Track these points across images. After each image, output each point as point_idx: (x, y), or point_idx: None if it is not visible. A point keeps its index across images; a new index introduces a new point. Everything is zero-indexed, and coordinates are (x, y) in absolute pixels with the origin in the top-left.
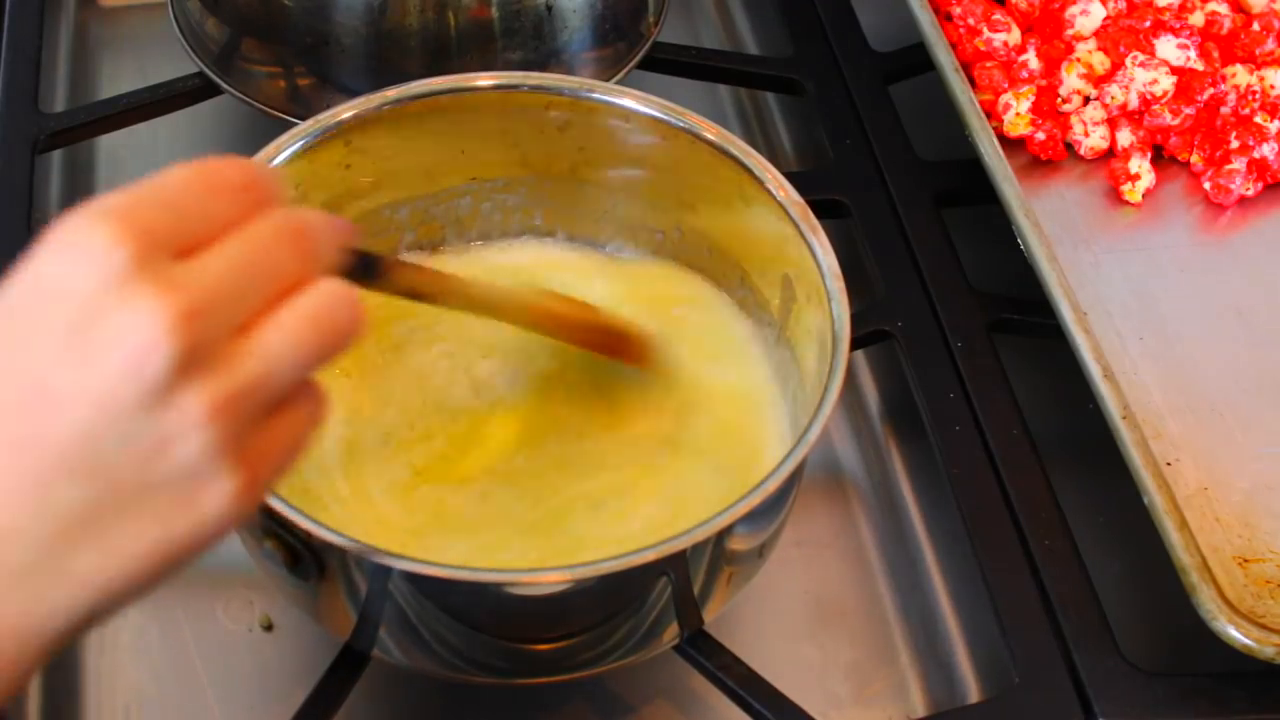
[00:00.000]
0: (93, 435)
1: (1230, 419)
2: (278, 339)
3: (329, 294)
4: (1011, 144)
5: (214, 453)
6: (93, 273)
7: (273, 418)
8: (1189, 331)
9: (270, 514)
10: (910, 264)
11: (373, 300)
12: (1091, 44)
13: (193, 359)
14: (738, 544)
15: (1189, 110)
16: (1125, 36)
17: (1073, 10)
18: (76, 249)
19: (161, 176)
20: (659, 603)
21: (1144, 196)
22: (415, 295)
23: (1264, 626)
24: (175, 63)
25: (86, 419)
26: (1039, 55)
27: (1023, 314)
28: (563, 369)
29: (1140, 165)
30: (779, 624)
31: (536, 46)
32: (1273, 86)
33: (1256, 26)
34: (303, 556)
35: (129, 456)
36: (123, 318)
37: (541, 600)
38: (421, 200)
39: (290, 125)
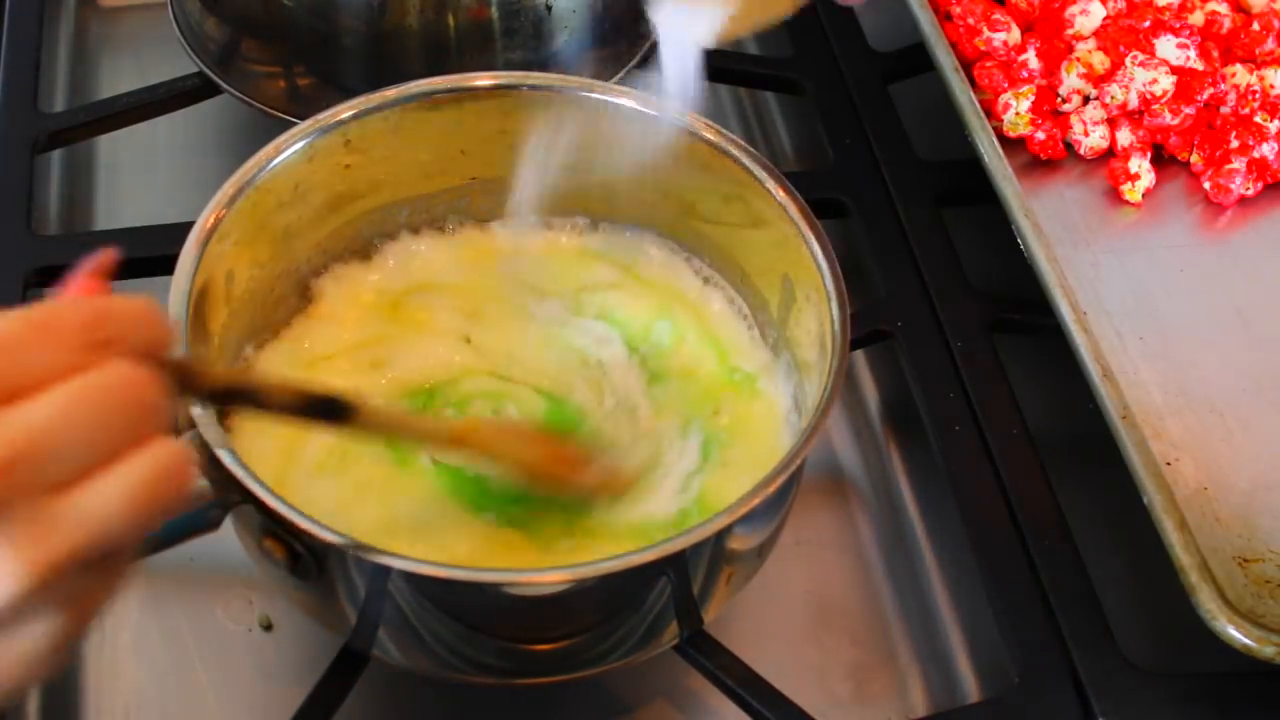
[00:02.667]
0: None
1: (1230, 419)
2: (97, 504)
3: (162, 458)
4: (1011, 144)
5: (37, 602)
6: None
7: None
8: (1189, 331)
9: (270, 514)
10: (910, 264)
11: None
12: (1091, 44)
13: (5, 512)
14: (737, 544)
15: (1189, 110)
16: (1125, 36)
17: (1073, 10)
18: None
19: None
20: (659, 603)
21: (1144, 196)
22: (321, 418)
23: (1264, 626)
24: (175, 63)
25: None
26: (1039, 55)
27: (1023, 314)
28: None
29: (1140, 165)
30: (779, 624)
31: (536, 46)
32: (1273, 86)
33: (1256, 26)
34: (303, 556)
35: None
36: None
37: (541, 600)
38: (421, 200)
39: (290, 125)
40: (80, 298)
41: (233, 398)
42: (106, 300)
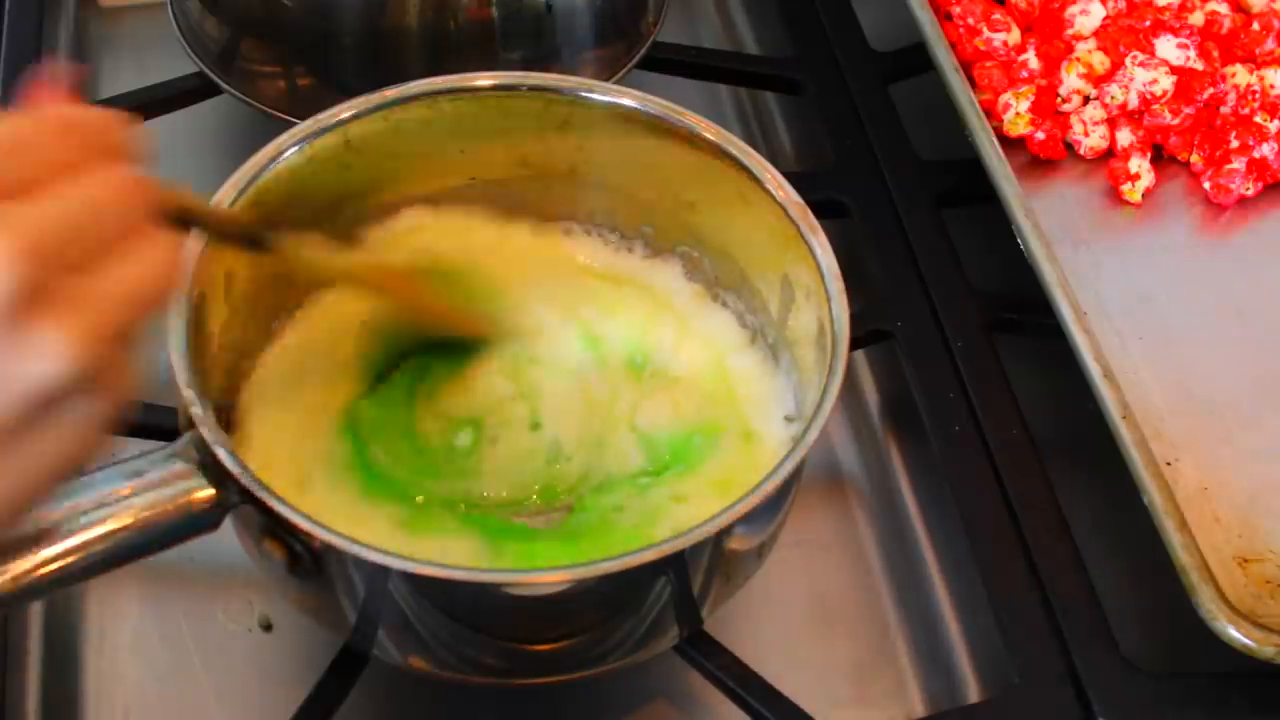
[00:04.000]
0: None
1: (1230, 419)
2: (126, 283)
3: (164, 245)
4: (1011, 144)
5: (77, 386)
6: None
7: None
8: (1189, 331)
9: (270, 514)
10: (910, 264)
11: None
12: (1091, 44)
13: (34, 295)
14: (737, 544)
15: (1189, 110)
16: (1125, 36)
17: (1072, 10)
18: None
19: None
20: (659, 603)
21: (1144, 196)
22: (252, 246)
23: (1264, 626)
24: (175, 63)
25: None
26: (1039, 55)
27: (1023, 314)
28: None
29: (1140, 165)
30: (779, 624)
31: (536, 46)
32: (1273, 86)
33: (1256, 26)
34: (302, 556)
35: None
36: None
37: (541, 600)
38: (421, 200)
39: (290, 125)
40: (65, 105)
41: (185, 217)
42: (85, 109)
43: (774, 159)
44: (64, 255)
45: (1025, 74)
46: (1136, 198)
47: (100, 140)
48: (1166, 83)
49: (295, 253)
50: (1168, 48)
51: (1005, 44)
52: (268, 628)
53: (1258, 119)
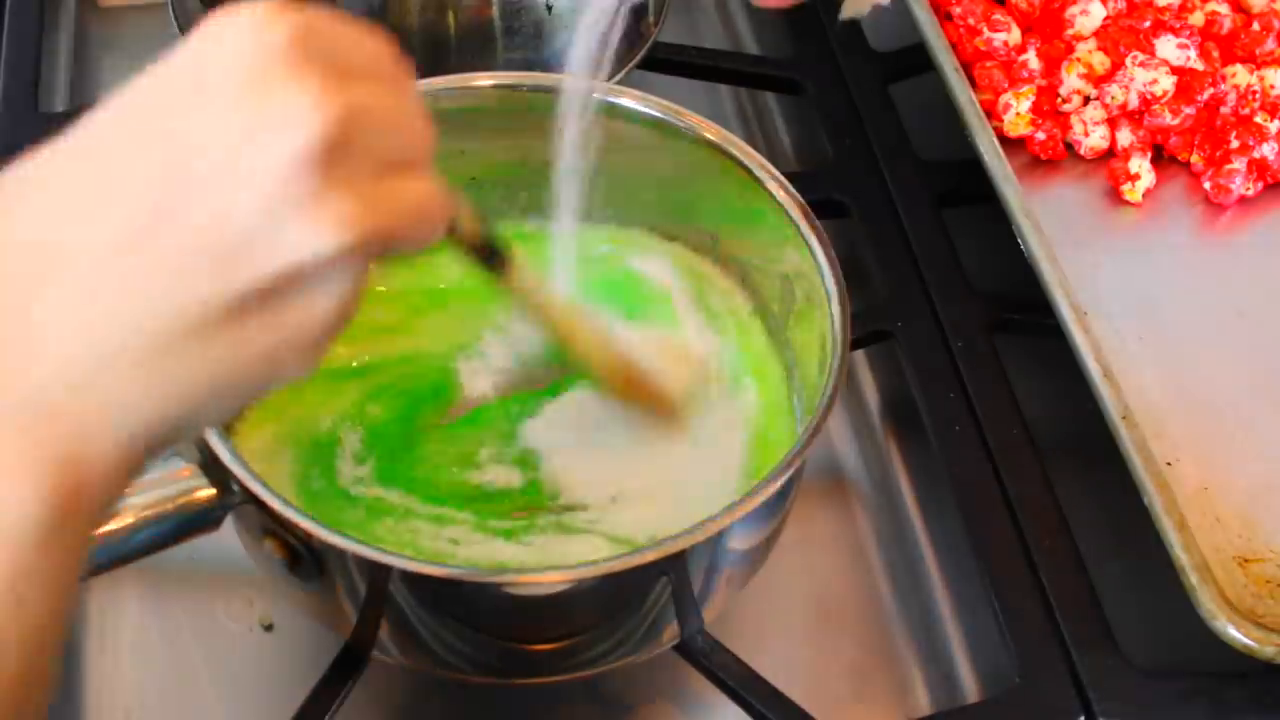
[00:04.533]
0: (235, 220)
1: (1230, 419)
2: (407, 198)
3: (438, 184)
4: (1011, 144)
5: (341, 268)
6: (251, 47)
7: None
8: (1189, 331)
9: (270, 514)
10: (910, 264)
11: None
12: (1091, 44)
13: (331, 157)
14: (738, 544)
15: (1189, 110)
16: (1125, 36)
17: (1073, 10)
18: (234, 24)
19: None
20: (659, 603)
21: (1144, 196)
22: (487, 261)
23: (1264, 626)
24: None
25: (232, 202)
26: (1039, 55)
27: (1023, 314)
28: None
29: (1140, 165)
30: (779, 624)
31: (537, 46)
32: (1273, 86)
33: (1256, 26)
34: (303, 556)
35: (267, 248)
36: (283, 94)
37: (541, 600)
38: None
39: None
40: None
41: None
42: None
43: (774, 159)
44: (365, 142)
45: (1025, 74)
46: (1137, 198)
47: (402, 73)
48: (1167, 83)
49: (520, 279)
50: (1168, 48)
51: (1005, 44)
52: (268, 628)
53: (1258, 119)
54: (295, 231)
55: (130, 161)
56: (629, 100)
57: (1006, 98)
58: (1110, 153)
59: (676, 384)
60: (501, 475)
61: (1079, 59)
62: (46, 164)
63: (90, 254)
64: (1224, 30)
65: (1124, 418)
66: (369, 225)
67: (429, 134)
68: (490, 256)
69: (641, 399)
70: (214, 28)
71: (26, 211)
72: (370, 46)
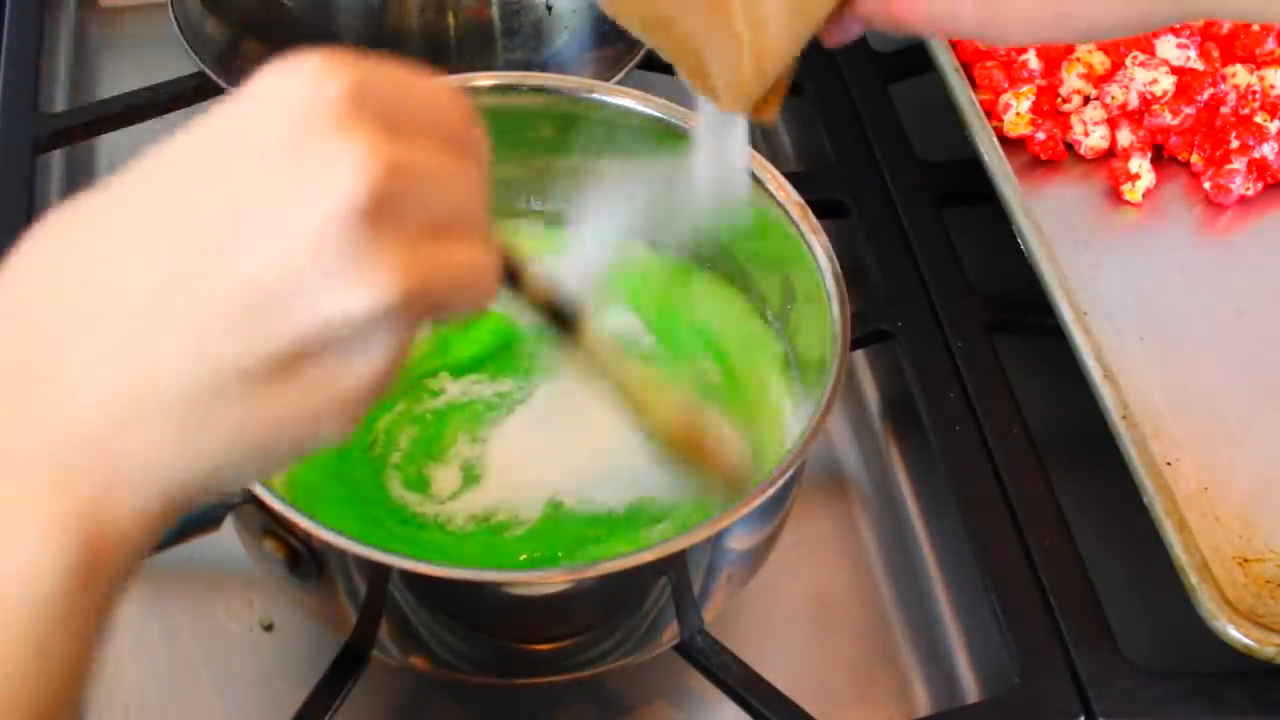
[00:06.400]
0: (275, 275)
1: (1230, 419)
2: (456, 258)
3: (490, 254)
4: (1011, 144)
5: (382, 329)
6: (303, 98)
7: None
8: (1189, 331)
9: (270, 514)
10: (910, 264)
11: None
12: (1091, 44)
13: (390, 216)
14: (738, 544)
15: (1189, 110)
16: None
17: None
18: (288, 75)
19: (384, 62)
20: (659, 603)
21: (1144, 196)
22: (555, 322)
23: (1264, 626)
24: (175, 63)
25: (273, 257)
26: (1039, 55)
27: (1023, 314)
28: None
29: (1140, 165)
30: (779, 624)
31: (537, 46)
32: (1273, 86)
33: (1256, 26)
34: (303, 556)
35: (305, 305)
36: (332, 147)
37: (541, 600)
38: None
39: None
40: (451, 81)
41: (510, 266)
42: (461, 93)
43: (774, 159)
44: (416, 200)
45: (1025, 74)
46: (1136, 198)
47: (467, 130)
48: (1167, 83)
49: (591, 343)
50: (1168, 48)
51: None
52: (268, 628)
53: (1258, 119)
54: (336, 289)
55: (171, 215)
56: (629, 100)
57: (1006, 98)
58: (1110, 153)
59: (741, 455)
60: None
61: (1079, 59)
62: (89, 212)
63: (126, 308)
64: (1224, 30)
65: (1124, 418)
66: (413, 285)
67: (485, 196)
68: (560, 318)
69: (708, 467)
70: (268, 79)
71: (66, 261)
72: (433, 101)
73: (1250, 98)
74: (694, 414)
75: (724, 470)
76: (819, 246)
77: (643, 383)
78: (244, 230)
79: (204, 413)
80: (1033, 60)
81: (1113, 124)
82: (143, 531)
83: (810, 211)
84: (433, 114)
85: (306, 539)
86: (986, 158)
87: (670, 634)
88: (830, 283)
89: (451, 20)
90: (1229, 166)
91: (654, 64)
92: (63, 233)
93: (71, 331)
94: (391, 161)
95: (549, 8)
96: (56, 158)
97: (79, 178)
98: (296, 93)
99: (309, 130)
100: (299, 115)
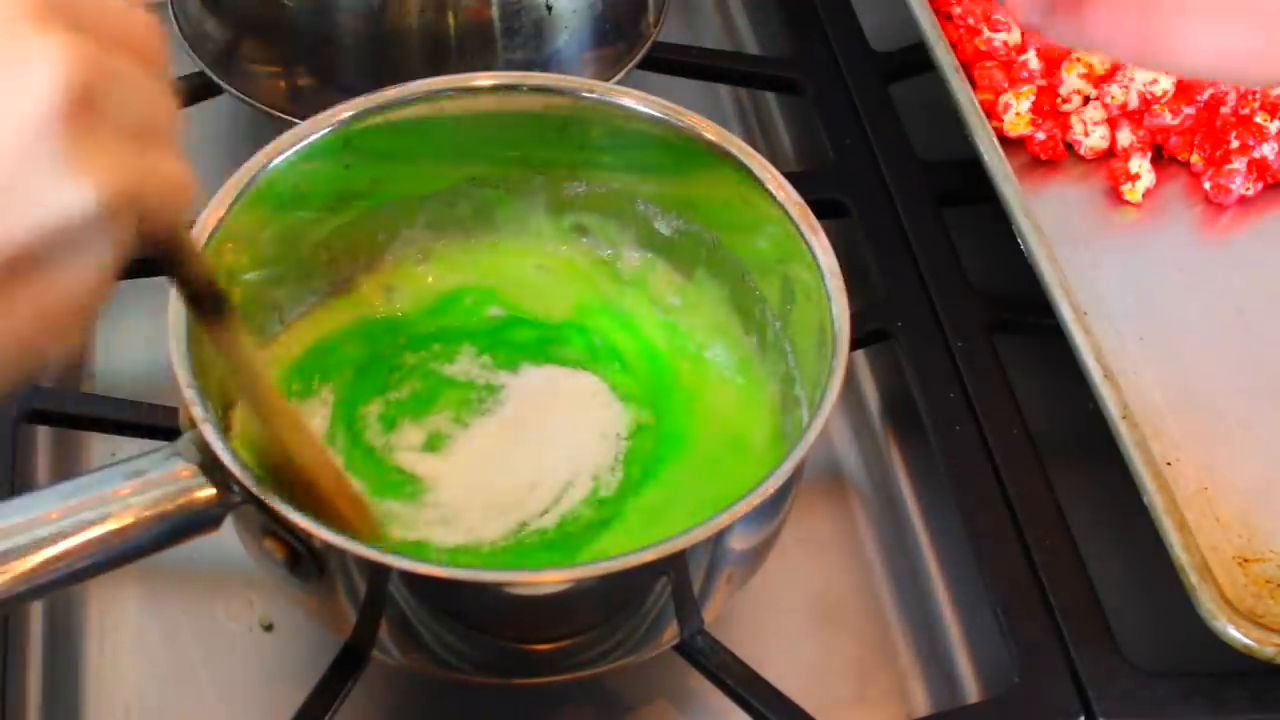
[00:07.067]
0: None
1: (1230, 419)
2: (159, 165)
3: (184, 168)
4: (1011, 144)
5: (97, 232)
6: None
7: None
8: (1189, 331)
9: (270, 514)
10: (910, 264)
11: None
12: None
13: (93, 115)
14: (738, 544)
15: (1189, 110)
16: None
17: None
18: None
19: None
20: (659, 603)
21: (1144, 196)
22: (203, 304)
23: (1264, 626)
24: (175, 63)
25: None
26: (1039, 55)
27: (1023, 314)
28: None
29: (1140, 165)
30: (779, 624)
31: (536, 46)
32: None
33: None
34: (303, 556)
35: (13, 210)
36: (26, 47)
37: (541, 600)
38: (421, 200)
39: (290, 125)
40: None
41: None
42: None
43: (774, 159)
44: (115, 104)
45: (1025, 74)
46: (1136, 198)
47: (157, 44)
48: (1167, 83)
49: (236, 335)
50: None
51: (1005, 44)
52: (268, 628)
53: (1258, 119)
54: (47, 189)
55: None
56: (629, 100)
57: (1006, 98)
58: (1110, 153)
59: (369, 506)
60: None
61: (1079, 59)
62: None
63: None
64: None
65: (1124, 418)
66: (121, 185)
67: (176, 111)
68: (210, 301)
69: (341, 508)
70: None
71: None
72: (125, 16)
73: (1250, 98)
74: (328, 456)
75: (355, 513)
76: (819, 246)
77: (279, 403)
78: None
79: None
80: (1033, 60)
81: (1113, 124)
82: None
83: (810, 211)
84: (123, 24)
85: (306, 539)
86: (986, 158)
87: (670, 634)
88: (830, 283)
89: (451, 20)
90: (1229, 166)
91: (654, 64)
92: None
93: None
94: (89, 61)
95: (549, 8)
96: None
97: None
98: None
99: (6, 30)
100: None
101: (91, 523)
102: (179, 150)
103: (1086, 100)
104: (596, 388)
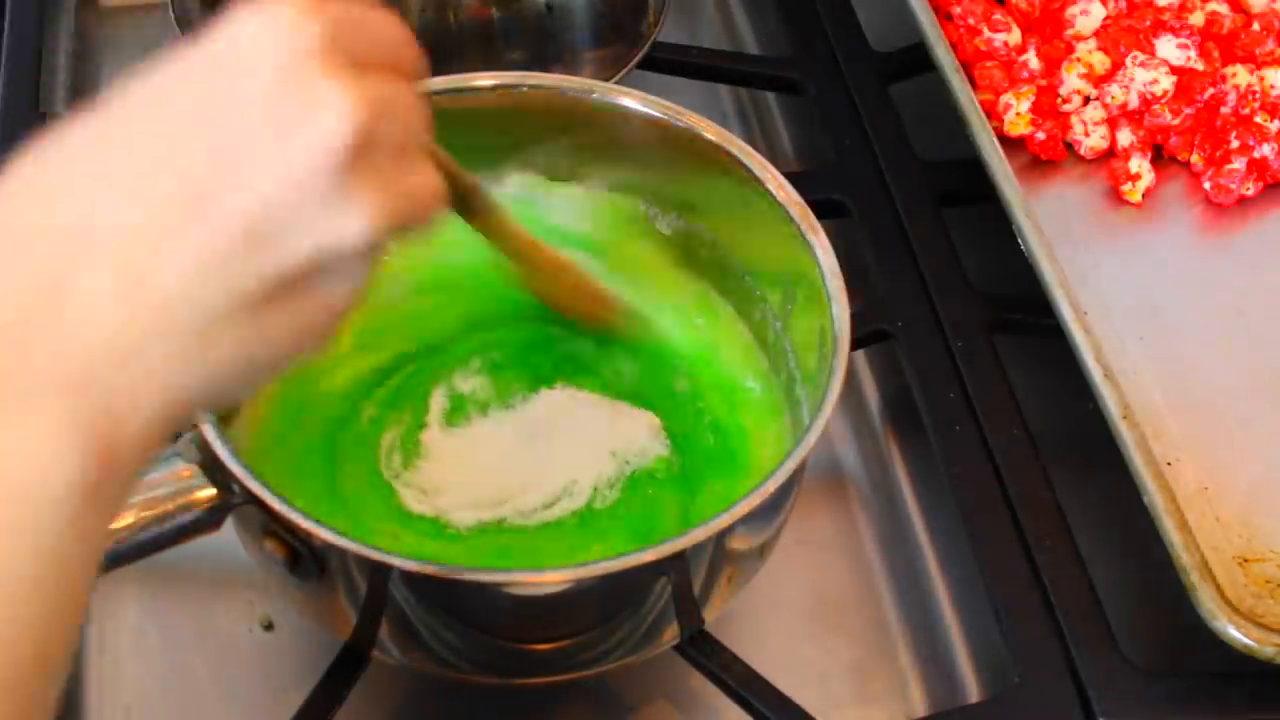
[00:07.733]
0: (275, 208)
1: (1230, 419)
2: (422, 187)
3: (434, 175)
4: (1011, 144)
5: (362, 254)
6: (285, 44)
7: None
8: (1189, 331)
9: (270, 514)
10: (910, 264)
11: None
12: (1091, 44)
13: (371, 153)
14: (738, 544)
15: (1189, 110)
16: (1125, 36)
17: (1073, 10)
18: (267, 20)
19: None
20: (659, 603)
21: (1144, 196)
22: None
23: (1264, 626)
24: None
25: (272, 191)
26: (1039, 55)
27: (1023, 314)
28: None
29: (1140, 165)
30: (779, 624)
31: (537, 46)
32: (1273, 86)
33: (1256, 26)
34: (303, 556)
35: (301, 235)
36: (319, 92)
37: (541, 600)
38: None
39: None
40: (383, 9)
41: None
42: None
43: (774, 159)
44: (386, 133)
45: (1025, 74)
46: (1136, 198)
47: (414, 58)
48: (1167, 83)
49: (494, 218)
50: (1168, 48)
51: (1005, 44)
52: (268, 628)
53: (1258, 119)
54: (328, 221)
55: (170, 146)
56: (629, 100)
57: (1006, 98)
58: (1110, 153)
59: (619, 303)
60: None
61: (1079, 59)
62: (78, 147)
63: (133, 235)
64: (1224, 30)
65: (1124, 418)
66: (390, 214)
67: (428, 115)
68: (468, 200)
69: (592, 317)
70: (248, 25)
71: (63, 194)
72: (391, 37)
73: (1250, 98)
74: (578, 274)
75: (606, 317)
76: (819, 246)
77: (533, 248)
78: (244, 168)
79: (209, 332)
80: (1033, 60)
81: (1113, 124)
82: (146, 446)
83: (810, 211)
84: (393, 50)
85: (307, 539)
86: (986, 158)
87: (670, 634)
88: (830, 283)
89: (451, 20)
90: (1229, 166)
91: (654, 64)
92: (55, 165)
93: (78, 261)
94: (370, 100)
95: (549, 8)
96: None
97: None
98: (281, 33)
99: (296, 77)
100: (284, 62)
101: None
102: (430, 156)
103: (1086, 100)
104: (631, 414)
